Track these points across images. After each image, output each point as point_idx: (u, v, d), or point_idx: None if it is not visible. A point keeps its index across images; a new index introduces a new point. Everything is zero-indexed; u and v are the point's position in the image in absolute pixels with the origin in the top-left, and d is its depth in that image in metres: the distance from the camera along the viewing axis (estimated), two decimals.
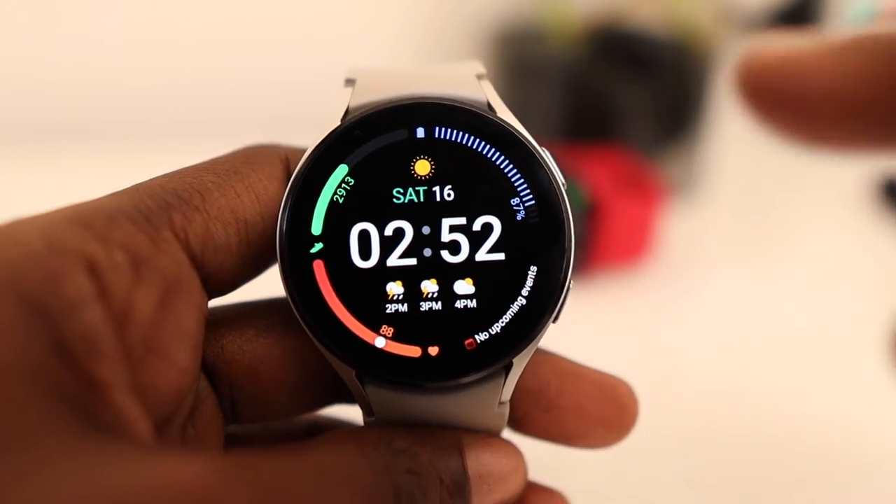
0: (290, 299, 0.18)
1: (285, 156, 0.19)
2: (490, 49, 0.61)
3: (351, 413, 0.21)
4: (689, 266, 0.51)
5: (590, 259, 0.46)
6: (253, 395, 0.19)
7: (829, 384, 0.39)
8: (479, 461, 0.18)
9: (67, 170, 0.47)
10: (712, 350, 0.44)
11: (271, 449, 0.15)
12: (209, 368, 0.19)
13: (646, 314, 0.47)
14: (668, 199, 0.51)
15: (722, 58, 0.57)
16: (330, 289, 0.18)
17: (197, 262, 0.17)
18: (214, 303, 0.19)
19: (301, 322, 0.18)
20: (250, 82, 0.61)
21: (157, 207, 0.17)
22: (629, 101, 0.54)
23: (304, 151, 0.19)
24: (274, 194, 0.19)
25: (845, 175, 0.63)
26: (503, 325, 0.18)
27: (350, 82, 0.20)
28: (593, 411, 0.20)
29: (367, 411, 0.19)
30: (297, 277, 0.18)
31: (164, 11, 0.59)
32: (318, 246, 0.18)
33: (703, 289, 0.50)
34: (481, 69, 0.20)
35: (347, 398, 0.20)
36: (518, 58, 0.56)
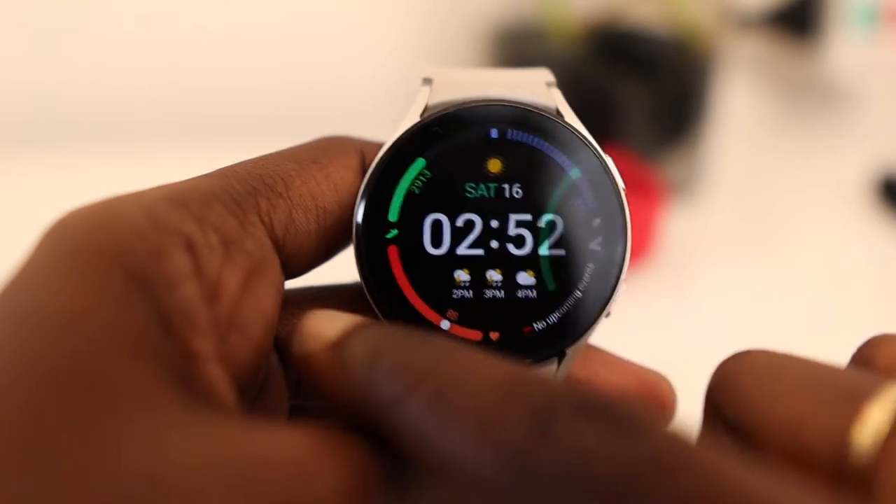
0: (362, 281, 0.19)
1: (360, 148, 0.20)
2: (490, 47, 0.61)
3: None
4: (690, 266, 0.51)
5: None
6: None
7: None
8: None
9: (81, 170, 0.47)
10: (712, 349, 0.43)
11: (350, 424, 0.16)
12: (279, 346, 0.20)
13: (646, 314, 0.46)
14: (668, 199, 0.51)
15: (722, 57, 0.57)
16: (402, 273, 0.19)
17: (278, 246, 0.18)
18: (288, 285, 0.20)
19: (372, 302, 0.19)
20: (250, 82, 0.61)
21: (245, 192, 0.18)
22: (629, 99, 0.54)
23: (376, 144, 0.20)
24: (350, 184, 0.20)
25: (845, 175, 0.63)
26: (559, 315, 0.20)
27: (427, 81, 0.21)
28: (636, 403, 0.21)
29: None
30: (371, 260, 0.19)
31: (166, 13, 0.59)
32: (394, 232, 0.20)
33: (703, 288, 0.50)
34: (551, 77, 0.22)
35: None
36: (517, 56, 0.56)
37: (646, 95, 0.55)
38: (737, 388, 0.17)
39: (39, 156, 0.52)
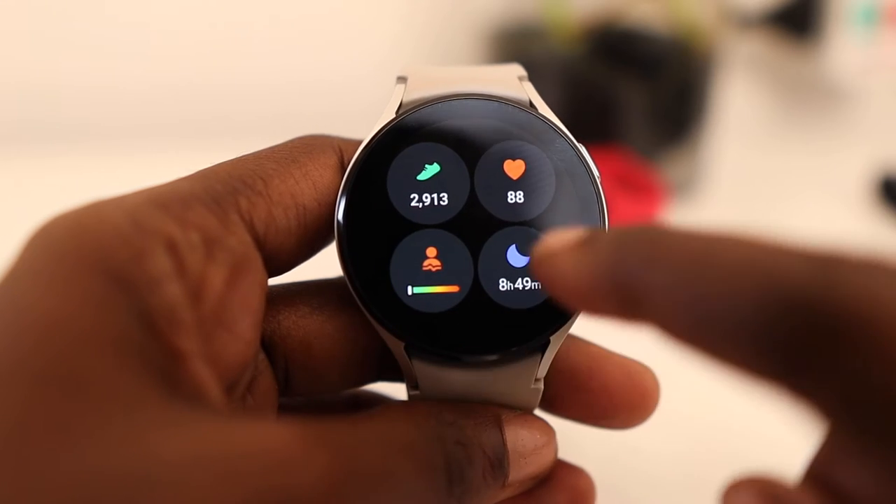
0: (346, 277, 0.20)
1: (338, 146, 0.20)
2: (489, 47, 0.61)
3: (389, 389, 0.22)
4: None
5: None
6: (306, 368, 0.21)
7: None
8: (517, 436, 0.20)
9: (78, 170, 0.47)
10: None
11: (336, 418, 0.16)
12: (266, 342, 0.20)
13: None
14: (667, 199, 0.51)
15: (722, 57, 0.57)
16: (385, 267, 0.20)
17: (260, 243, 0.19)
18: (271, 282, 0.20)
19: (356, 298, 0.20)
20: (248, 82, 0.61)
21: (225, 192, 0.18)
22: (629, 99, 0.54)
23: (355, 142, 0.20)
24: (329, 182, 0.20)
25: (845, 175, 0.63)
26: (541, 303, 0.20)
27: (402, 79, 0.21)
28: (620, 394, 0.21)
29: (412, 385, 0.20)
30: (353, 256, 0.19)
31: (162, 13, 0.58)
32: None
33: None
34: (522, 71, 0.22)
35: (390, 376, 0.21)
36: (517, 56, 0.56)
37: (646, 95, 0.55)
38: None
39: (35, 157, 0.52)
